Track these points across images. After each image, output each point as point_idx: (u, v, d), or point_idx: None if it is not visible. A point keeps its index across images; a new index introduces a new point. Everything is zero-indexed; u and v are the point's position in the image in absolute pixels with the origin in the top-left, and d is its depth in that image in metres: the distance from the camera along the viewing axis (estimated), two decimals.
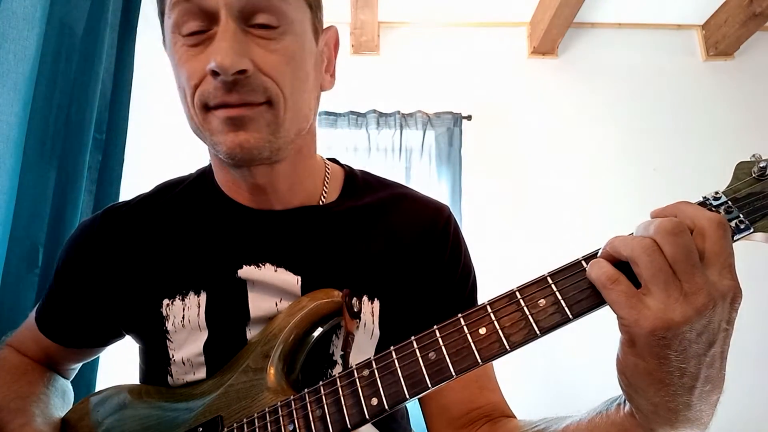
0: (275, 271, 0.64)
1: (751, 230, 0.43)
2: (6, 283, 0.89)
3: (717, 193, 0.45)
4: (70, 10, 1.03)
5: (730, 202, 0.44)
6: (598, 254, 0.44)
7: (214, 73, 0.52)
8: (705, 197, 0.45)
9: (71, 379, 0.80)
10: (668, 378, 0.40)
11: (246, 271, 0.64)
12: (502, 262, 2.42)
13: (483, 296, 0.73)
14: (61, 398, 0.72)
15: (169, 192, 0.73)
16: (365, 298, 0.64)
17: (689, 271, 0.39)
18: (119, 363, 0.95)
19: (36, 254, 0.96)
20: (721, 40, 2.64)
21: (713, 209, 0.44)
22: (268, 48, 0.54)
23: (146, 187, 0.76)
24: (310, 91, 0.61)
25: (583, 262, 0.45)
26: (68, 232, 1.03)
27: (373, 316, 0.64)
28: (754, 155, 0.45)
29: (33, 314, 0.75)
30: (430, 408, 0.68)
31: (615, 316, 0.42)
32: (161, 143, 2.35)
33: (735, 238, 0.42)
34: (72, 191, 1.04)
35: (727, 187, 0.46)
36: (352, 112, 2.56)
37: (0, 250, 0.88)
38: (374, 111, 2.57)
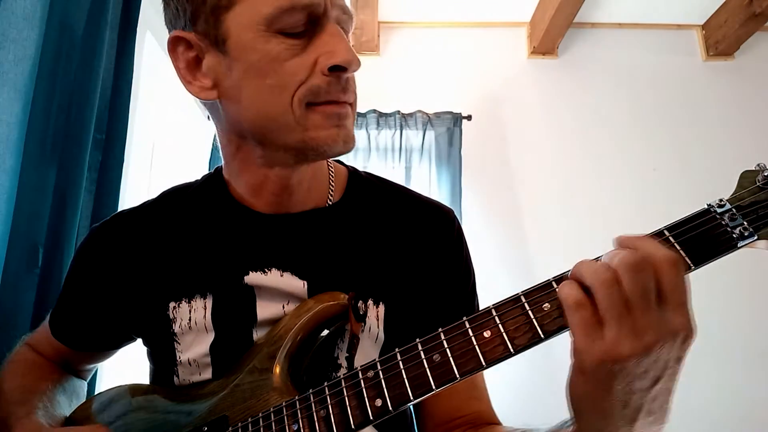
0: (281, 276, 0.64)
1: (755, 238, 0.43)
2: (6, 283, 0.89)
3: (721, 200, 0.46)
4: (70, 10, 1.03)
5: (734, 210, 0.45)
6: (569, 275, 0.45)
7: (336, 68, 0.55)
8: (710, 204, 0.46)
9: (88, 379, 0.81)
10: (611, 408, 0.42)
11: (252, 278, 0.64)
12: (502, 262, 2.43)
13: (483, 297, 0.74)
14: (69, 397, 0.73)
15: (177, 197, 0.74)
16: (370, 302, 0.65)
17: (644, 307, 0.40)
18: (119, 363, 0.95)
19: (36, 254, 0.96)
20: (721, 40, 2.64)
21: (717, 217, 0.45)
22: None
23: (146, 186, 0.76)
24: None
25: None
26: (68, 232, 1.03)
27: (378, 319, 0.64)
28: (758, 164, 0.46)
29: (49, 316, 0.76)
30: (416, 414, 0.70)
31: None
32: (161, 143, 2.35)
33: (739, 245, 0.43)
34: (72, 191, 1.04)
35: (732, 195, 0.46)
36: None
37: (0, 250, 0.88)
38: (374, 111, 2.57)
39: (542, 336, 0.45)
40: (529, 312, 0.46)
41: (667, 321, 0.40)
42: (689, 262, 0.44)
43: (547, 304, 0.45)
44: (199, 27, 0.57)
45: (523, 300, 0.46)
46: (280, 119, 0.57)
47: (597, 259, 0.44)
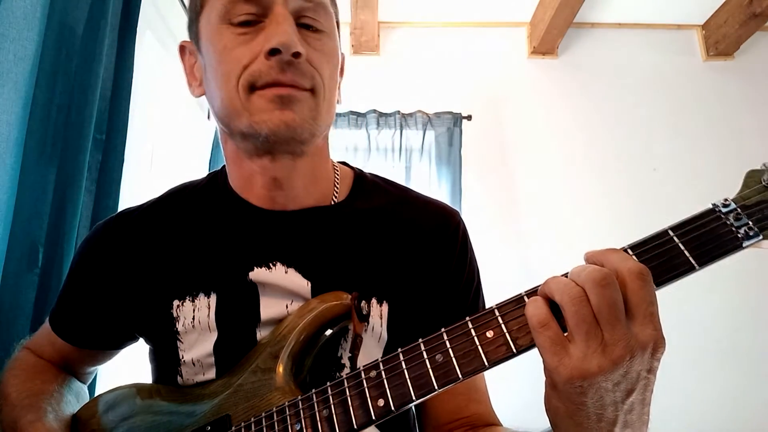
0: (286, 272, 0.64)
1: (760, 237, 0.43)
2: (6, 283, 0.88)
3: (726, 200, 0.45)
4: (70, 10, 1.03)
5: (739, 210, 0.44)
6: (537, 291, 0.46)
7: (274, 52, 0.56)
8: (714, 204, 0.45)
9: (88, 383, 0.81)
10: (586, 421, 0.43)
11: (257, 274, 0.64)
12: (502, 262, 2.43)
13: (484, 296, 0.74)
14: (75, 397, 0.73)
15: (181, 195, 0.74)
16: (374, 301, 0.64)
17: (611, 322, 0.40)
18: (119, 363, 0.94)
19: (36, 254, 0.95)
20: (721, 40, 2.64)
21: (723, 216, 0.44)
22: (314, 46, 0.60)
23: (146, 186, 0.76)
24: (336, 94, 0.66)
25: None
26: (68, 232, 1.03)
27: (381, 319, 0.64)
28: (764, 164, 0.46)
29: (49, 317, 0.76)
30: (417, 415, 0.71)
31: None
32: (161, 143, 2.35)
33: (744, 245, 0.43)
34: (72, 191, 1.04)
35: (737, 194, 0.46)
36: (352, 112, 2.56)
37: (0, 250, 0.88)
38: (374, 111, 2.57)
39: None
40: None
41: (636, 334, 0.40)
42: (693, 263, 0.43)
43: None
44: (191, 34, 0.66)
45: (526, 300, 0.46)
46: (231, 106, 0.59)
47: (565, 275, 0.45)
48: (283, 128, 0.57)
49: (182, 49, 0.68)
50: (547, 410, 0.46)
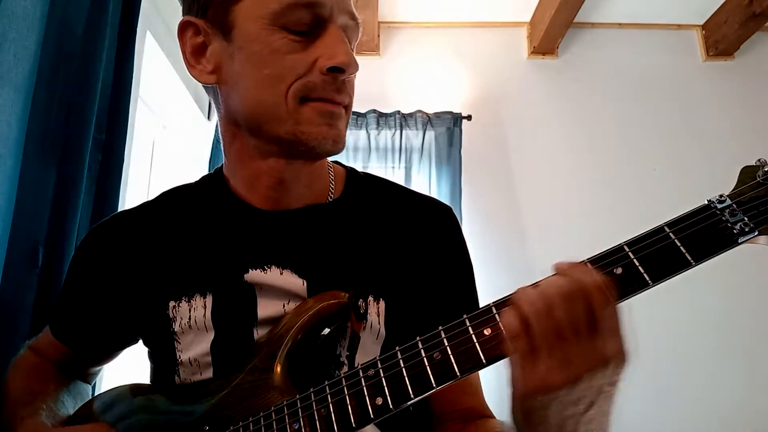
0: (281, 273, 0.64)
1: (756, 233, 0.43)
2: (6, 283, 0.88)
3: (722, 196, 0.46)
4: (70, 10, 1.03)
5: (734, 206, 0.44)
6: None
7: (335, 69, 0.57)
8: (710, 200, 0.46)
9: (92, 383, 0.81)
10: None
11: (252, 275, 0.64)
12: (502, 262, 2.42)
13: (483, 296, 0.74)
14: (74, 398, 0.73)
15: (176, 196, 0.74)
16: (371, 299, 0.64)
17: (575, 337, 0.41)
18: (120, 363, 0.95)
19: (36, 254, 0.95)
20: (721, 40, 2.64)
21: (718, 212, 0.44)
22: None
23: (146, 186, 0.76)
24: None
25: (588, 264, 0.46)
26: (68, 232, 1.03)
27: (379, 316, 0.64)
28: (759, 160, 0.46)
29: None
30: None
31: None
32: (161, 143, 2.35)
33: (739, 241, 0.43)
34: (72, 191, 1.04)
35: (732, 190, 0.46)
36: (352, 112, 2.56)
37: (0, 250, 0.88)
38: (374, 111, 2.57)
39: None
40: None
41: (599, 349, 0.41)
42: (689, 259, 0.43)
43: None
44: (209, 15, 0.61)
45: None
46: (273, 110, 0.58)
47: (536, 284, 0.45)
48: (330, 144, 0.60)
49: (186, 25, 0.63)
50: (512, 419, 0.47)
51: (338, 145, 0.61)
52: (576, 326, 0.41)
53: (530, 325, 0.42)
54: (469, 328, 0.47)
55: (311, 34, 0.58)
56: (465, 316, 0.48)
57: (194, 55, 0.63)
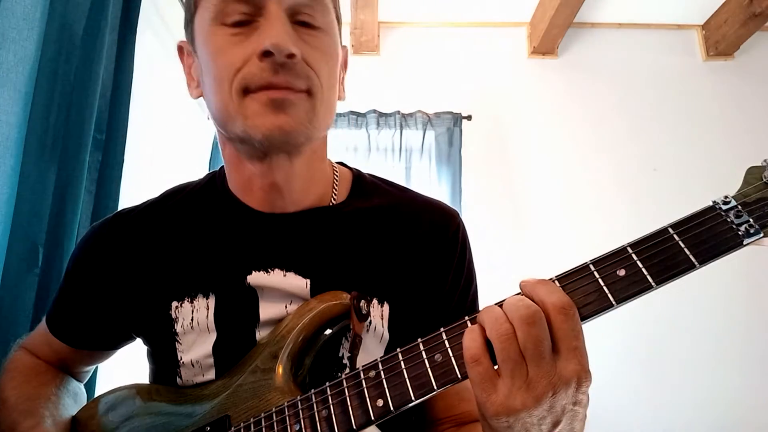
0: (284, 276, 0.64)
1: (761, 235, 0.42)
2: (6, 283, 0.89)
3: (727, 197, 0.45)
4: (70, 10, 1.03)
5: (740, 207, 0.44)
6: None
7: (267, 54, 0.54)
8: (715, 201, 0.45)
9: (84, 381, 0.81)
10: None
11: (255, 278, 0.64)
12: (502, 262, 2.42)
13: (483, 296, 0.73)
14: (73, 399, 0.73)
15: (179, 195, 0.73)
16: (375, 301, 0.64)
17: (536, 359, 0.41)
18: (118, 363, 0.95)
19: (36, 254, 0.95)
20: (721, 40, 2.64)
21: (723, 214, 0.44)
22: (311, 44, 0.58)
23: (146, 187, 0.76)
24: (336, 93, 0.64)
25: (591, 265, 0.46)
26: (68, 232, 1.03)
27: (382, 319, 0.64)
28: (765, 160, 0.45)
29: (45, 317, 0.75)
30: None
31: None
32: (161, 143, 2.35)
33: (745, 242, 0.42)
34: (72, 191, 1.04)
35: (738, 191, 0.45)
36: (352, 112, 2.56)
37: (0, 250, 0.88)
38: (374, 111, 2.56)
39: None
40: None
41: (560, 369, 0.41)
42: (694, 261, 0.43)
43: None
44: (188, 34, 0.65)
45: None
46: (226, 110, 0.58)
47: (501, 303, 0.45)
48: (277, 133, 0.55)
49: (180, 49, 0.68)
50: None
51: (289, 134, 0.56)
52: (537, 349, 0.41)
53: (494, 346, 0.42)
54: None
55: (252, 24, 0.56)
56: (466, 318, 0.48)
57: (189, 74, 0.66)
